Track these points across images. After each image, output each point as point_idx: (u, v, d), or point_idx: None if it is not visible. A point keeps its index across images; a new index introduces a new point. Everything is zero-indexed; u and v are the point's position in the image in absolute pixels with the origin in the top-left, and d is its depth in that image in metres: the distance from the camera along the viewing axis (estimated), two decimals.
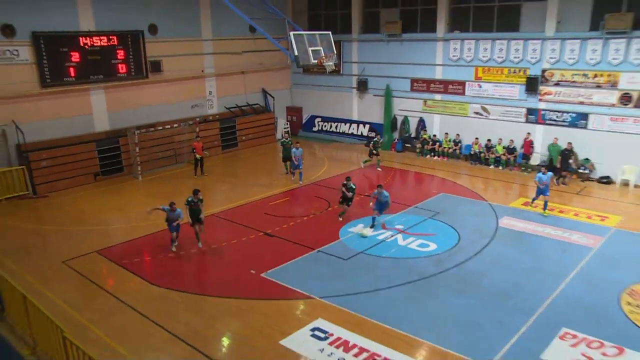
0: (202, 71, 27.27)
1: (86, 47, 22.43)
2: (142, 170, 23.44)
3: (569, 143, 21.17)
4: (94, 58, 22.69)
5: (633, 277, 13.09)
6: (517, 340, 10.68)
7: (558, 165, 21.39)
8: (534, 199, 18.23)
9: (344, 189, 17.77)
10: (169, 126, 24.49)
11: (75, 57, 22.18)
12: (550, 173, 18.16)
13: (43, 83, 21.55)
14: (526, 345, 10.48)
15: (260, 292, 12.75)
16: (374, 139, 24.06)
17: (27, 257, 15.07)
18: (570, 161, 21.31)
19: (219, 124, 27.63)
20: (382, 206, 16.74)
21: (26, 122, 21.23)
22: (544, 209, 17.79)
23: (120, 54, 23.47)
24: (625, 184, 20.55)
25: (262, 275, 13.59)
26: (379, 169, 23.44)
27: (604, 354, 10.15)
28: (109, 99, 23.80)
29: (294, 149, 21.64)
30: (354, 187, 17.83)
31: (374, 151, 23.65)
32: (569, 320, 11.29)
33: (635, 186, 20.33)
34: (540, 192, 17.79)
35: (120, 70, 23.68)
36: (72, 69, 22.21)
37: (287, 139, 23.48)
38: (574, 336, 10.74)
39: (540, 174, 17.86)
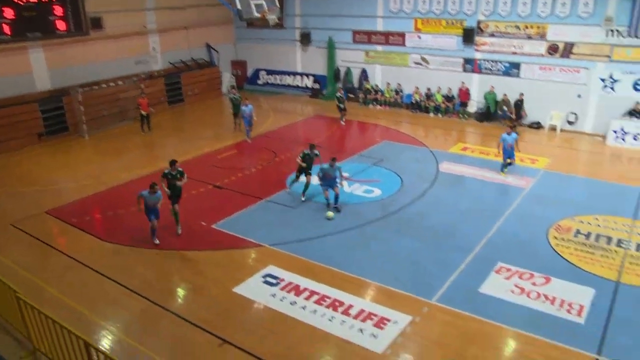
0: (145, 27, 26.04)
1: (20, 2, 20.88)
2: (89, 128, 22.46)
3: (521, 94, 21.37)
4: (29, 14, 21.08)
5: (559, 214, 13.64)
6: (457, 276, 11.03)
7: (500, 113, 22.01)
8: (503, 166, 16.26)
9: (299, 159, 15.16)
10: (113, 83, 23.42)
11: (9, 13, 20.52)
12: (515, 134, 16.16)
13: None
14: (465, 281, 10.83)
15: (212, 243, 12.64)
16: (337, 95, 22.91)
17: None
18: (505, 108, 21.84)
19: (164, 79, 26.65)
20: (329, 182, 14.33)
21: None
22: (506, 166, 16.23)
23: (58, 10, 21.90)
24: (553, 128, 21.28)
25: (213, 226, 13.47)
26: (342, 123, 22.75)
27: (533, 284, 10.62)
28: (49, 57, 22.44)
29: (243, 107, 20.69)
30: (317, 153, 15.20)
31: (341, 105, 22.56)
32: (503, 255, 11.68)
33: (561, 130, 21.12)
34: (508, 154, 16.10)
35: (59, 27, 22.14)
36: (6, 26, 20.65)
37: (235, 94, 22.40)
38: (508, 270, 11.15)
39: (504, 135, 16.07)
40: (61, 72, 22.77)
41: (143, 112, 22.22)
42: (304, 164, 15.04)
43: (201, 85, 28.48)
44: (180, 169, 13.25)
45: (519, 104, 21.52)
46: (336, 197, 14.19)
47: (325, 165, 14.31)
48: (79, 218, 14.33)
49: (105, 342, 9.43)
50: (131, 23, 25.23)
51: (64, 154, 20.30)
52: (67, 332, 7.90)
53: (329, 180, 14.28)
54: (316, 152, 15.11)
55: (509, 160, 16.20)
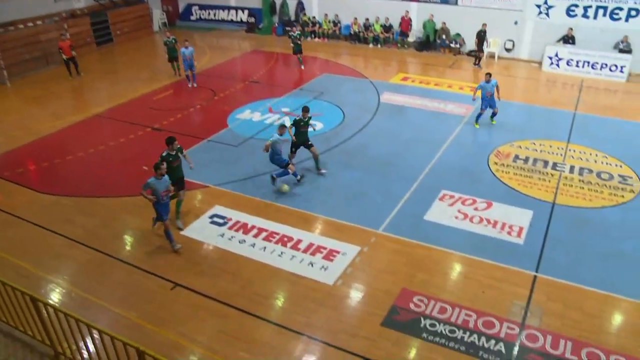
0: None
1: None
2: (9, 74, 20.97)
3: (484, 24, 20.62)
4: None
5: (499, 140, 14.11)
6: (402, 205, 11.32)
7: (438, 41, 22.07)
8: (479, 116, 14.97)
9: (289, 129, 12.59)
10: (31, 24, 21.84)
11: None
12: (494, 80, 14.52)
13: None
14: (410, 210, 11.13)
15: None
16: (292, 34, 20.69)
17: None
18: (444, 37, 21.95)
19: (90, 18, 25.02)
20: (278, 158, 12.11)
21: None
22: (492, 117, 15.07)
23: None
24: (492, 56, 21.61)
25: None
26: (302, 67, 20.88)
27: (476, 209, 11.04)
28: None
29: (183, 49, 18.93)
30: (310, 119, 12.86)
31: (298, 43, 20.65)
32: (446, 183, 12.03)
33: (499, 58, 21.49)
34: (488, 103, 14.71)
35: None
36: None
37: (169, 37, 20.16)
38: (451, 196, 11.51)
39: (483, 83, 14.56)
40: None
41: (65, 56, 20.72)
42: (294, 138, 12.51)
43: (130, 24, 26.98)
44: (179, 145, 10.96)
45: (482, 35, 20.28)
46: (316, 160, 12.63)
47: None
48: (11, 171, 13.61)
49: (54, 296, 9.24)
50: None
51: None
52: (11, 289, 7.68)
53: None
54: (310, 116, 12.57)
55: (494, 110, 14.80)
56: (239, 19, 28.00)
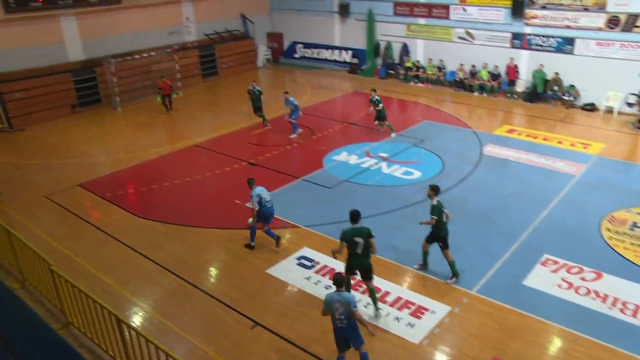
0: None
1: None
2: (121, 100, 22.84)
3: (556, 73, 20.54)
4: None
5: (613, 204, 13.12)
6: (500, 266, 10.81)
7: (550, 93, 21.23)
8: None
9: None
10: (146, 54, 23.67)
11: None
12: None
13: (7, 8, 20.43)
14: (508, 271, 10.60)
15: (246, 222, 12.68)
16: (372, 99, 18.24)
17: (9, 191, 14.83)
18: (556, 88, 21.17)
19: (198, 51, 26.76)
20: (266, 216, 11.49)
21: None
22: None
23: None
24: (609, 110, 20.38)
25: (247, 204, 13.46)
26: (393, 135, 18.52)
27: (583, 279, 10.30)
28: (82, 26, 22.78)
29: (286, 99, 18.30)
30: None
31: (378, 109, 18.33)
32: (550, 246, 11.36)
33: (619, 113, 20.17)
34: None
35: None
36: None
37: (254, 87, 19.10)
38: (555, 262, 10.84)
39: None
40: (94, 42, 23.12)
41: (162, 94, 21.80)
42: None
43: (236, 58, 28.50)
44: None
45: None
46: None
47: None
48: (112, 192, 14.63)
49: (136, 318, 9.64)
50: None
51: (97, 126, 20.71)
52: (99, 307, 8.11)
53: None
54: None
55: None
56: (342, 59, 28.69)
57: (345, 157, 16.50)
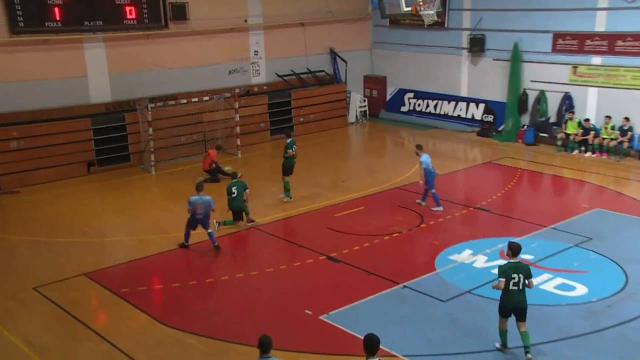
0: (245, 21, 27.29)
1: None
2: (157, 160, 23.62)
3: None
4: None
5: None
6: None
7: None
8: None
9: None
10: (196, 99, 24.48)
11: None
12: None
13: (14, 28, 21.76)
14: None
15: (318, 343, 12.41)
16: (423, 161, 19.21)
17: None
18: None
19: (268, 98, 27.61)
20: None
21: None
22: None
23: None
24: None
25: (322, 317, 13.24)
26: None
27: None
28: (112, 56, 24.13)
29: (423, 162, 18.93)
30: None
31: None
32: None
33: None
34: None
35: (128, 15, 23.81)
36: (57, 10, 22.22)
37: (232, 172, 19.29)
38: None
39: None
40: (125, 78, 24.39)
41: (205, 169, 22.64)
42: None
43: (319, 109, 29.15)
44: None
45: None
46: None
47: None
48: (131, 287, 14.67)
49: None
50: (227, 15, 26.63)
51: (120, 193, 21.31)
52: None
53: None
54: None
55: None
56: (469, 116, 28.69)
57: (469, 257, 16.01)
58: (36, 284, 14.89)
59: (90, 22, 23.00)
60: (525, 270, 11.43)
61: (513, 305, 11.48)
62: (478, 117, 28.37)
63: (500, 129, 27.41)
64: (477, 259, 15.90)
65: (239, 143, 25.39)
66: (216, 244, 16.59)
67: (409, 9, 17.33)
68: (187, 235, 16.78)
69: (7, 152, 21.67)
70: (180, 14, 25.06)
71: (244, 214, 18.20)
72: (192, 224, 16.59)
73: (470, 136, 27.64)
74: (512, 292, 11.38)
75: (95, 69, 23.92)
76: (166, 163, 24.01)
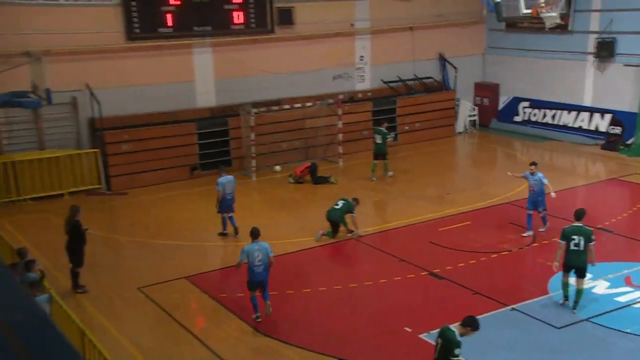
0: (352, 25, 27.61)
1: None
2: (258, 166, 24.28)
3: None
4: (200, 1, 23.79)
5: None
6: None
7: None
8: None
9: None
10: (299, 105, 25.03)
11: None
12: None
13: (130, 34, 23.10)
14: None
15: None
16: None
17: (92, 277, 15.95)
18: None
19: (372, 104, 27.85)
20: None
21: (104, 89, 22.92)
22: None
23: None
24: None
25: (421, 336, 13.15)
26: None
27: None
28: (218, 61, 25.06)
29: (532, 174, 18.54)
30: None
31: None
32: None
33: None
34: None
35: (236, 20, 24.49)
36: (169, 16, 23.36)
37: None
38: None
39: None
40: (230, 83, 25.26)
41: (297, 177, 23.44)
42: None
43: (426, 118, 29.10)
44: None
45: None
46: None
47: None
48: (230, 293, 15.20)
49: None
50: (333, 19, 27.06)
51: None
52: None
53: None
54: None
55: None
56: (592, 127, 28.13)
57: (588, 281, 15.25)
58: (140, 284, 15.72)
59: (200, 28, 23.96)
60: (586, 234, 13.54)
61: (573, 264, 13.62)
62: (603, 128, 27.61)
63: (629, 142, 26.46)
64: (598, 285, 15.26)
65: (340, 151, 25.73)
66: (236, 225, 18.25)
67: (529, 11, 16.97)
68: (224, 222, 18.38)
69: (118, 154, 22.93)
70: (286, 18, 25.62)
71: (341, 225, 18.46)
72: (223, 206, 18.13)
73: (593, 149, 26.97)
74: (572, 252, 13.53)
75: (202, 74, 24.92)
76: (267, 169, 24.62)
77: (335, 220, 18.26)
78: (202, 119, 24.60)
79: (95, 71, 22.86)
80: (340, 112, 25.69)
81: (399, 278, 15.81)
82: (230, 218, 18.32)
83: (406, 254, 17.12)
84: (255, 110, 23.99)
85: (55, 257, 16.51)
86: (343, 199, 18.36)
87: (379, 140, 23.27)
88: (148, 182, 23.23)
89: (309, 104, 25.16)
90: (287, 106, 24.89)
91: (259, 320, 13.75)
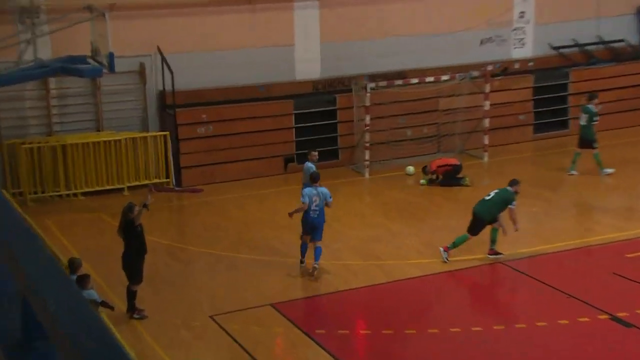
0: None
1: None
2: (373, 159, 23.88)
3: None
4: None
5: None
6: None
7: None
8: None
9: None
10: (430, 79, 24.52)
11: None
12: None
13: None
14: None
15: None
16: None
17: (153, 298, 16.00)
18: None
19: (533, 78, 27.10)
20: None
21: (179, 53, 22.96)
22: None
23: None
24: None
25: None
26: None
27: None
28: (326, 20, 24.78)
29: None
30: None
31: None
32: None
33: None
34: None
35: None
36: None
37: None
38: None
39: None
40: (340, 49, 24.90)
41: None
42: None
43: (614, 96, 27.80)
44: None
45: None
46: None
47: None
48: (329, 329, 14.95)
49: None
50: None
51: None
52: None
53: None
54: None
55: None
56: None
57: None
58: (213, 310, 15.48)
59: None
60: None
61: None
62: None
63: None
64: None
65: (486, 142, 25.02)
66: (316, 266, 16.77)
67: None
68: (302, 250, 17.31)
69: (194, 139, 23.03)
70: None
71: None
72: (306, 225, 17.13)
73: None
74: None
75: (304, 36, 24.74)
76: (385, 164, 24.27)
77: (483, 218, 17.38)
78: (302, 96, 24.35)
79: (168, 31, 22.97)
80: (488, 88, 25.00)
81: (565, 321, 15.19)
82: (317, 250, 16.89)
83: (577, 287, 16.37)
84: (372, 85, 23.54)
85: (108, 270, 16.56)
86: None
87: (583, 121, 22.98)
88: (230, 176, 23.16)
89: (445, 77, 24.67)
90: (414, 80, 24.36)
91: (303, 265, 16.86)
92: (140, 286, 15.17)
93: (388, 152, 24.55)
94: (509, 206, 17.13)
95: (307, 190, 16.91)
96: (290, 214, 17.13)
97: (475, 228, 17.20)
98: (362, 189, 22.97)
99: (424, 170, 22.83)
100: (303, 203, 16.74)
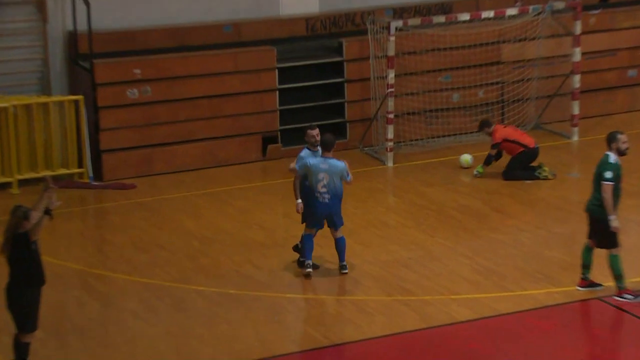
0: None
1: None
2: (398, 138, 23.60)
3: None
4: None
5: None
6: None
7: None
8: None
9: None
10: (488, 14, 24.10)
11: None
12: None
13: None
14: None
15: None
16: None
17: (55, 354, 15.29)
18: None
19: None
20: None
21: None
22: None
23: None
24: None
25: None
26: None
27: None
28: None
29: None
30: None
31: None
32: None
33: None
34: None
35: None
36: None
37: None
38: None
39: None
40: None
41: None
42: None
43: None
44: None
45: None
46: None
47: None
48: None
49: None
50: None
51: None
52: None
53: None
54: None
55: None
56: None
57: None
58: None
59: None
60: None
61: None
62: None
63: None
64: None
65: (576, 112, 24.79)
66: (344, 265, 17.54)
67: None
68: (304, 243, 17.57)
69: (120, 107, 22.92)
70: None
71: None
72: (314, 217, 17.14)
73: None
74: None
75: None
76: (418, 146, 24.10)
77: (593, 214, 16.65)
78: (289, 40, 24.17)
79: None
80: (579, 28, 24.48)
81: None
82: (340, 243, 17.68)
83: None
84: (397, 23, 23.04)
85: None
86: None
87: None
88: (177, 165, 23.04)
89: (511, 11, 24.20)
90: (464, 16, 23.82)
91: (309, 271, 16.92)
92: (35, 335, 14.33)
93: (422, 129, 24.21)
94: (602, 181, 16.32)
95: (312, 161, 16.37)
96: (298, 209, 16.84)
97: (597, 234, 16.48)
98: (384, 185, 22.70)
99: (482, 127, 22.63)
100: (290, 170, 16.65)
